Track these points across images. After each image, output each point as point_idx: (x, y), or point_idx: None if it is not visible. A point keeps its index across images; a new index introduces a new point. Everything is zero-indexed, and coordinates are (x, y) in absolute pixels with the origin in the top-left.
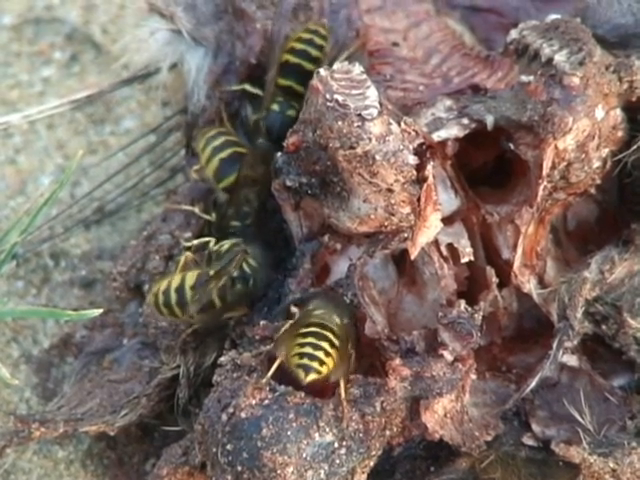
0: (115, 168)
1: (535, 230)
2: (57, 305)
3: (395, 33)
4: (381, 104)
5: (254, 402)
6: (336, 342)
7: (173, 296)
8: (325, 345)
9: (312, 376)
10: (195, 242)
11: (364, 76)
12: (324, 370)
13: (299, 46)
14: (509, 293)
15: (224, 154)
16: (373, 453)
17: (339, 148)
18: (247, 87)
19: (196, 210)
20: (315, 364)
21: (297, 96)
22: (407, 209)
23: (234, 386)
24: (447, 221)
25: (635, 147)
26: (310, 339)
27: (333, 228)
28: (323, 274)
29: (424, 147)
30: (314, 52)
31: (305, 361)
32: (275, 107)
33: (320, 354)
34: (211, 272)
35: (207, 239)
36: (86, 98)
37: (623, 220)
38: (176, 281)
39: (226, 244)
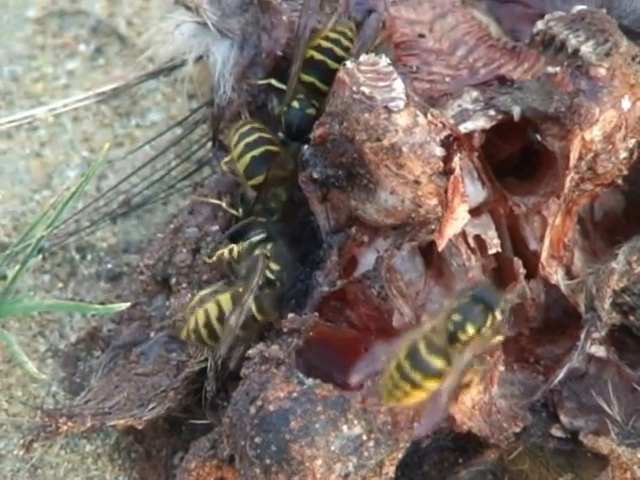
0: (141, 161)
1: (562, 221)
2: (83, 299)
3: (421, 25)
4: (407, 96)
5: (282, 395)
6: None
7: (217, 326)
8: None
9: None
10: (213, 259)
11: (390, 68)
12: None
13: (325, 44)
14: (536, 284)
15: (256, 152)
16: (401, 445)
17: (366, 140)
18: (273, 82)
19: (223, 204)
20: None
21: (319, 94)
22: (434, 201)
23: (262, 379)
24: (474, 213)
25: None
26: None
27: (360, 220)
28: (350, 266)
29: (451, 139)
30: (340, 52)
31: None
32: (295, 104)
33: None
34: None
35: (222, 251)
36: (111, 91)
37: None
38: (213, 311)
39: (242, 246)
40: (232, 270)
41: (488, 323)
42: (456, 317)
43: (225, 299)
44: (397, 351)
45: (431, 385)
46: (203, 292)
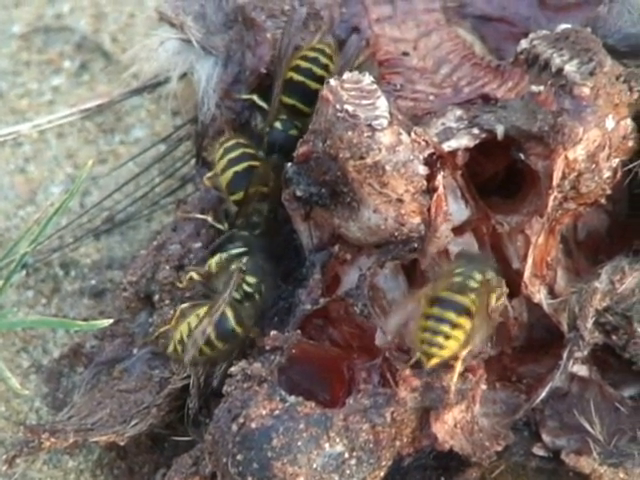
0: (125, 177)
1: (545, 240)
2: (67, 315)
3: (405, 42)
4: (391, 114)
5: (264, 412)
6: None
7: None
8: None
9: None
10: (194, 275)
11: (374, 86)
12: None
13: (304, 64)
14: (519, 303)
15: (239, 167)
16: (383, 463)
17: (349, 158)
18: (255, 99)
19: (209, 219)
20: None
21: (301, 115)
22: (417, 219)
23: (244, 396)
24: (457, 231)
25: None
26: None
27: (343, 238)
28: (333, 284)
29: (434, 157)
30: (318, 71)
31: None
32: (278, 125)
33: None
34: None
35: (191, 274)
36: (96, 107)
37: (634, 230)
38: (194, 323)
39: (216, 258)
40: (208, 286)
41: (490, 274)
42: (460, 270)
43: (205, 312)
44: (419, 310)
45: (465, 323)
46: (183, 305)
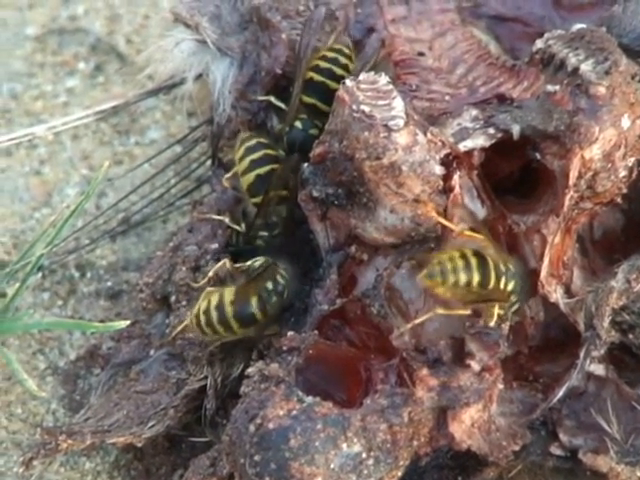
0: (140, 179)
1: (561, 240)
2: (83, 316)
3: (420, 43)
4: (407, 114)
5: (282, 413)
6: None
7: (214, 314)
8: None
9: None
10: (223, 262)
11: (390, 86)
12: None
13: (324, 64)
14: (536, 303)
15: (261, 170)
16: (401, 463)
17: (365, 159)
18: (272, 99)
19: (226, 219)
20: None
21: (321, 114)
22: (434, 219)
23: (262, 397)
24: (473, 231)
25: None
26: None
27: (360, 239)
28: (350, 285)
29: (450, 157)
30: (339, 71)
31: None
32: (298, 124)
33: None
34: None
35: (239, 265)
36: (111, 109)
37: None
38: (215, 299)
39: (258, 260)
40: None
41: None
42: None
43: (229, 291)
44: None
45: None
46: (209, 289)
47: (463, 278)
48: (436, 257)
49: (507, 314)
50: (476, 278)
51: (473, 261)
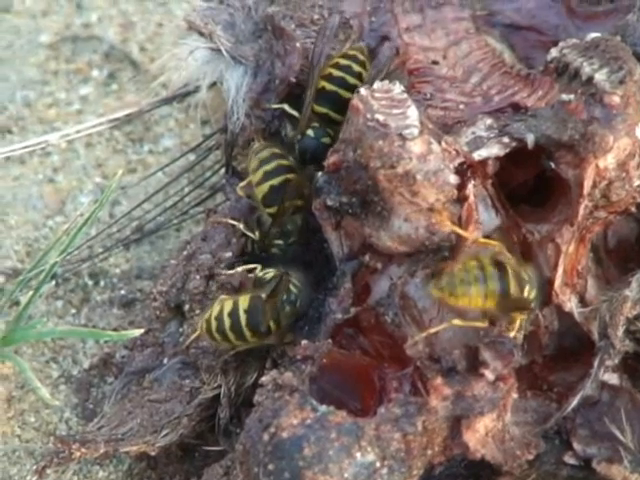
0: (154, 187)
1: (576, 249)
2: (96, 325)
3: (435, 51)
4: (422, 123)
5: (296, 422)
6: None
7: (227, 321)
8: None
9: None
10: (239, 269)
11: (405, 95)
12: None
13: (337, 73)
14: (550, 312)
15: (276, 181)
16: (415, 472)
17: (380, 167)
18: (286, 107)
19: (241, 226)
20: None
21: (333, 123)
22: (448, 228)
23: (275, 406)
24: (487, 240)
25: None
26: None
27: (374, 247)
28: (364, 293)
29: (465, 166)
30: (351, 80)
31: None
32: (310, 133)
33: None
34: (264, 295)
35: (253, 266)
36: (125, 117)
37: None
38: (228, 306)
39: (271, 272)
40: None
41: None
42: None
43: (244, 298)
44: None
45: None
46: (223, 297)
47: (478, 290)
48: (449, 267)
49: (522, 323)
50: (495, 288)
51: (491, 270)
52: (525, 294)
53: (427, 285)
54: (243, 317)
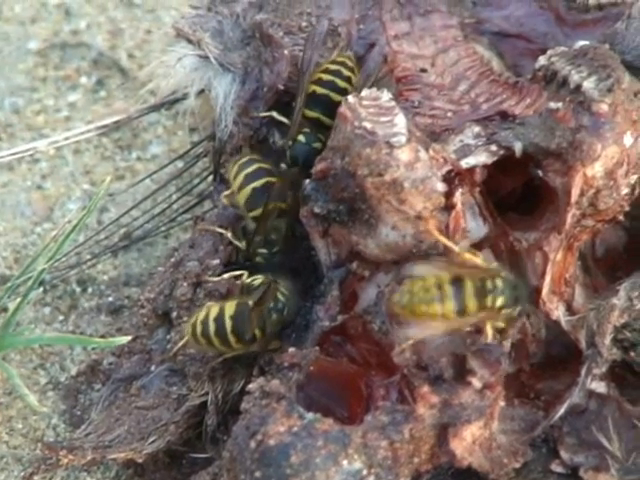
0: (142, 194)
1: (563, 257)
2: (84, 331)
3: (423, 59)
4: (409, 131)
5: (283, 429)
6: None
7: (212, 326)
8: None
9: None
10: (226, 276)
11: (392, 103)
12: None
13: (326, 77)
14: (537, 320)
15: (257, 183)
16: None
17: (367, 175)
18: (274, 114)
19: (228, 234)
20: None
21: (324, 128)
22: (435, 236)
23: (263, 413)
24: (475, 248)
25: None
26: None
27: (361, 255)
28: (351, 301)
29: (452, 174)
30: (341, 83)
31: None
32: (301, 138)
33: None
34: (250, 302)
35: (239, 272)
36: (113, 124)
37: None
38: (214, 311)
39: (259, 278)
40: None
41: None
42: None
43: (230, 305)
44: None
45: None
46: (210, 303)
47: (435, 309)
48: (408, 285)
49: (508, 329)
50: (451, 307)
51: (448, 289)
52: (488, 304)
53: (388, 301)
54: (228, 323)
